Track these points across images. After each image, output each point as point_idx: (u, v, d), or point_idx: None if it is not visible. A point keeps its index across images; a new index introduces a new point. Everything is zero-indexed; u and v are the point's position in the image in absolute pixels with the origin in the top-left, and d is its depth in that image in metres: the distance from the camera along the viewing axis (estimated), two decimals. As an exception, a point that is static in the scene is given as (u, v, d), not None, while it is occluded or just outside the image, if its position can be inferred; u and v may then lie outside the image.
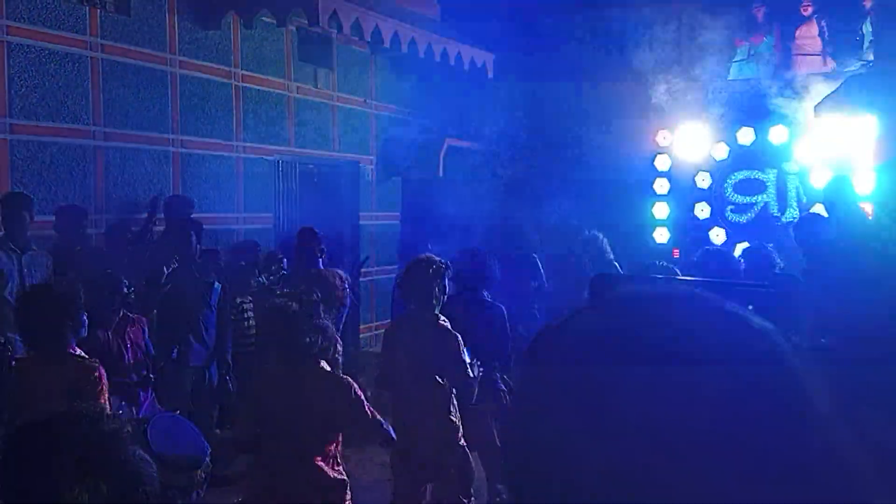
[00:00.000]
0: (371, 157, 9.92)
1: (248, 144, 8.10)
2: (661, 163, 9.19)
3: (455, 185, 9.99)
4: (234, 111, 7.95)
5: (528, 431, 0.67)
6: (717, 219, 8.91)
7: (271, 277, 7.08)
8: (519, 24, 11.96)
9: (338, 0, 7.55)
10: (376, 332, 9.66)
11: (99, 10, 6.61)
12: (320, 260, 6.90)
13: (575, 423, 0.62)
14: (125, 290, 4.72)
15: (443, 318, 4.28)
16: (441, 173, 10.05)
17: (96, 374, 3.29)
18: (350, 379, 3.78)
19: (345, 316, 6.91)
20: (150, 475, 1.21)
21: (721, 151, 8.93)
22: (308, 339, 3.56)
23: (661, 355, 0.62)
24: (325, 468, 3.61)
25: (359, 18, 7.92)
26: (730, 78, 9.95)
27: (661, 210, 9.14)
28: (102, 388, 3.29)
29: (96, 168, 6.58)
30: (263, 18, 7.91)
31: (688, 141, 9.00)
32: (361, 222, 9.78)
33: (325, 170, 9.47)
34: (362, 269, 8.95)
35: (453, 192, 10.09)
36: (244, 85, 8.04)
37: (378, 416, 3.72)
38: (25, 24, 6.01)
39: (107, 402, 3.30)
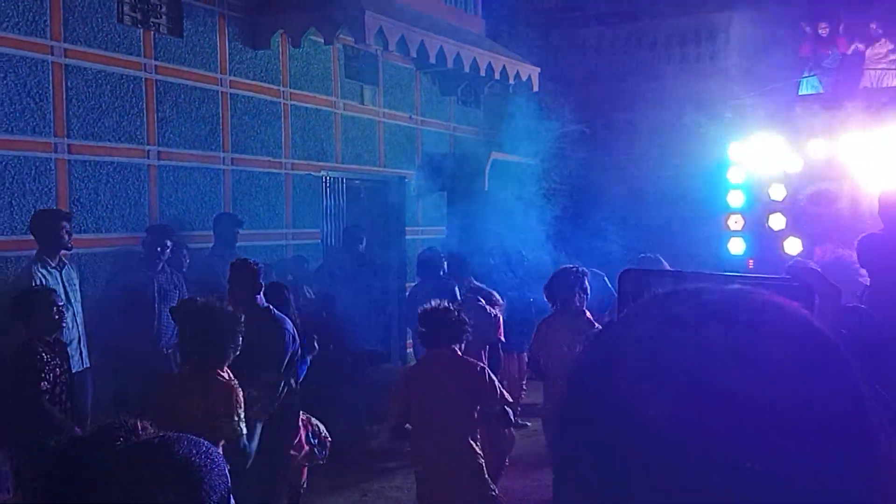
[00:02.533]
0: (416, 172, 9.98)
1: (296, 161, 8.21)
2: (734, 175, 9.20)
3: (501, 199, 9.99)
4: (283, 128, 8.07)
5: (575, 451, 0.66)
6: (792, 230, 8.92)
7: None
8: (567, 36, 11.95)
9: (384, 18, 7.63)
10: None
11: (153, 33, 6.78)
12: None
13: (621, 452, 0.62)
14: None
15: (588, 313, 4.94)
16: (486, 187, 10.04)
17: (237, 396, 3.33)
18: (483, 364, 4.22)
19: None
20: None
21: (794, 163, 8.91)
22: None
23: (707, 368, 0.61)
24: (475, 447, 4.05)
25: (404, 35, 7.99)
26: (801, 93, 9.95)
27: (735, 222, 9.12)
28: (238, 409, 3.32)
29: (150, 186, 6.73)
30: (311, 37, 8.03)
31: (760, 153, 9.00)
32: (407, 237, 9.83)
33: (371, 185, 9.54)
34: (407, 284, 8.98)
35: (499, 206, 10.10)
36: (292, 103, 8.16)
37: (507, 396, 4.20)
38: (82, 46, 6.19)
39: (240, 422, 3.32)
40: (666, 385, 0.62)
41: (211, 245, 6.88)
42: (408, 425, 4.22)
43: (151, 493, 1.09)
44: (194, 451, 1.16)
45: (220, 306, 3.52)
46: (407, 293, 7.95)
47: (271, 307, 4.77)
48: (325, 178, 8.65)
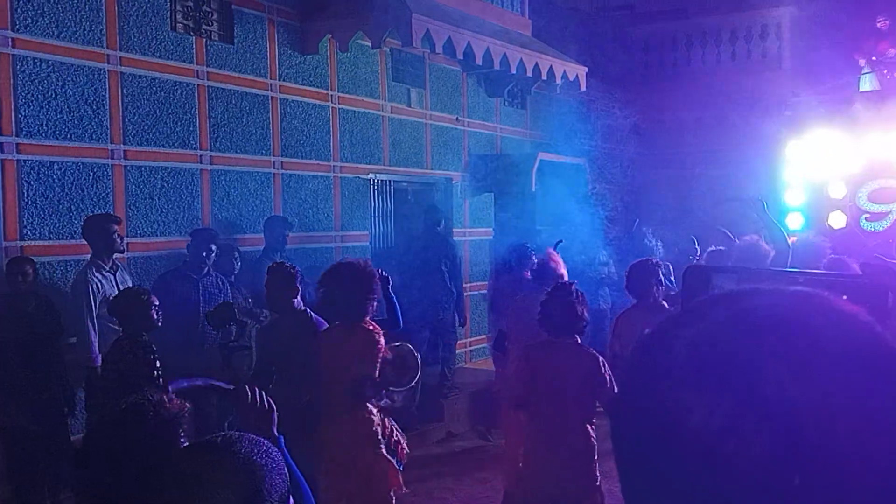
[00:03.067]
0: (463, 174, 9.99)
1: (344, 164, 8.29)
2: (792, 173, 9.07)
3: (548, 200, 9.94)
4: (332, 132, 8.16)
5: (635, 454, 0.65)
6: (852, 228, 8.75)
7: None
8: (615, 34, 11.84)
9: (430, 20, 7.65)
10: (471, 349, 9.68)
11: (205, 40, 6.91)
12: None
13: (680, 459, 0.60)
14: None
15: (666, 305, 5.02)
16: (533, 187, 10.01)
17: (379, 343, 4.01)
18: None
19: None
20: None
21: (854, 161, 8.75)
22: None
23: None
24: (591, 434, 4.19)
25: (451, 37, 8.00)
26: (861, 89, 9.74)
27: (794, 220, 8.97)
28: (379, 355, 3.97)
29: (203, 190, 6.86)
30: (358, 41, 8.10)
31: (819, 151, 8.85)
32: (454, 238, 9.84)
33: (419, 187, 9.58)
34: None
35: (546, 206, 10.06)
36: (340, 106, 8.24)
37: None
38: (137, 54, 6.34)
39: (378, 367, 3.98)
40: (715, 392, 0.60)
41: (262, 248, 6.98)
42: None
43: (214, 490, 1.11)
44: (255, 450, 1.18)
45: (359, 265, 4.21)
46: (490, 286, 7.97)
47: (308, 310, 4.74)
48: (373, 180, 8.71)
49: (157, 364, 4.32)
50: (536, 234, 9.21)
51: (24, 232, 5.63)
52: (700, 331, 0.66)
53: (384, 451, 4.10)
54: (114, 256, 5.49)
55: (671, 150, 11.82)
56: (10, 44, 5.52)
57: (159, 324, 4.53)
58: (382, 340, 4.10)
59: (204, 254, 5.98)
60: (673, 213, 10.48)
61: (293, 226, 7.18)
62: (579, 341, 4.31)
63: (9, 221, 5.54)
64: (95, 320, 5.24)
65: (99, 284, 5.27)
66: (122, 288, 5.40)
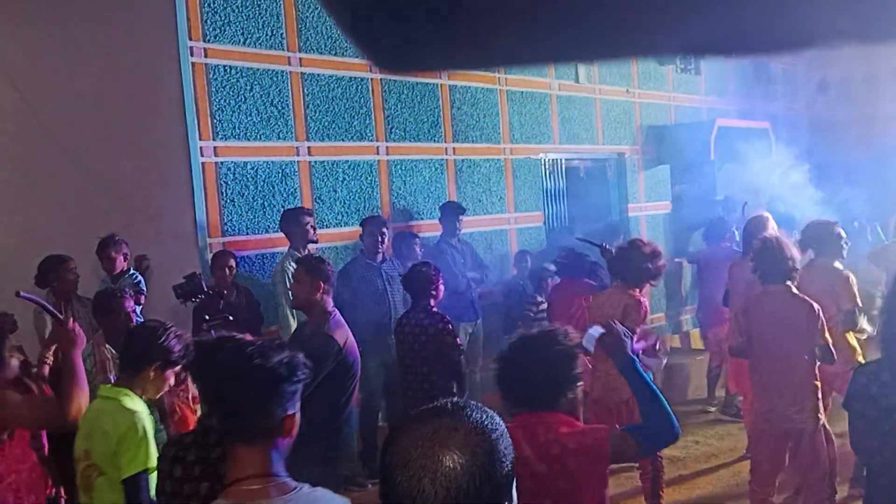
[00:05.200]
0: (636, 147, 9.69)
1: (515, 145, 8.27)
2: None
3: (728, 167, 9.45)
4: (500, 114, 8.16)
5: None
6: None
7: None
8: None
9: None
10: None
11: (375, 34, 7.10)
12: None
13: None
14: None
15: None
16: (712, 156, 9.54)
17: (643, 306, 4.59)
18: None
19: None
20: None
21: None
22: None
23: None
24: (816, 380, 4.25)
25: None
26: None
27: None
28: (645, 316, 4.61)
29: (380, 180, 7.09)
30: (523, 20, 8.02)
31: None
32: (630, 214, 9.59)
33: (591, 164, 9.41)
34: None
35: (727, 175, 9.56)
36: (508, 88, 8.22)
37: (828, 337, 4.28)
38: (314, 54, 6.62)
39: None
40: None
41: (439, 234, 7.12)
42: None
43: (451, 452, 1.11)
44: (485, 416, 1.18)
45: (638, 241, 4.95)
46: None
47: (336, 310, 4.29)
48: (544, 160, 8.64)
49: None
50: (716, 205, 8.79)
51: (225, 228, 6.06)
52: None
53: None
54: (308, 247, 5.79)
55: (863, 107, 10.86)
56: (203, 54, 5.94)
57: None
58: None
59: (378, 239, 6.15)
60: (868, 172, 9.62)
61: (466, 210, 7.26)
62: (793, 288, 4.33)
63: (211, 219, 5.98)
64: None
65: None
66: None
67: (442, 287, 5.20)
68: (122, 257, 5.59)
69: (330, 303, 4.20)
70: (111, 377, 3.96)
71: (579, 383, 2.54)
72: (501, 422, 1.20)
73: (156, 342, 2.91)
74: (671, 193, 10.16)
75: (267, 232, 6.24)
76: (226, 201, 6.06)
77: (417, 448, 1.13)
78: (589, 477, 2.43)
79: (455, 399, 1.22)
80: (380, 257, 6.20)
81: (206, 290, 4.98)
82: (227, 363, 1.73)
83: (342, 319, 4.19)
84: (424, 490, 1.09)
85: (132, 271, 5.69)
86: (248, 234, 6.18)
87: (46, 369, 3.93)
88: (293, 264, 5.67)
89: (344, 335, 4.09)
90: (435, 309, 5.12)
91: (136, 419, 2.82)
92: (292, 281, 5.63)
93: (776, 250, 4.35)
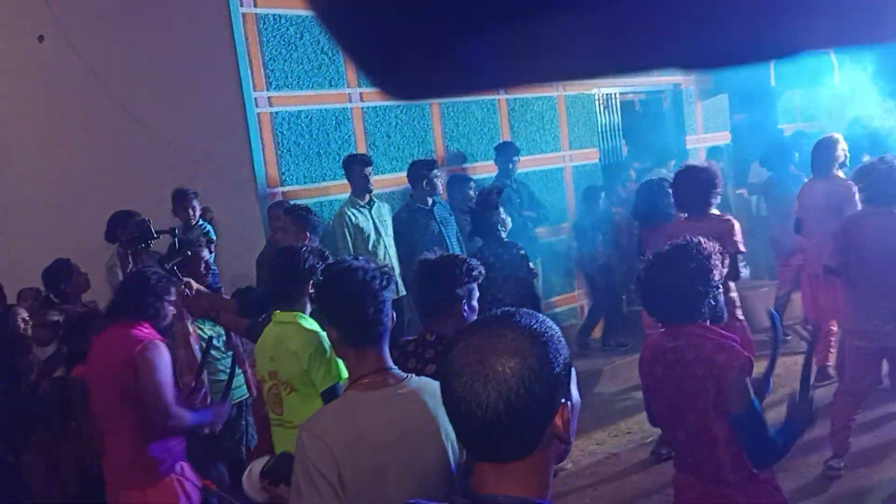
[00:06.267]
0: (692, 77, 9.43)
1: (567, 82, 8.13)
2: None
3: (791, 95, 9.15)
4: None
5: None
6: None
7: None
8: None
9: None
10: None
11: None
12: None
13: None
14: None
15: None
16: (772, 83, 9.25)
17: (734, 226, 4.47)
18: None
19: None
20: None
21: None
22: None
23: None
24: None
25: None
26: None
27: None
28: (737, 238, 4.44)
29: (434, 123, 7.07)
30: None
31: None
32: (688, 147, 9.40)
33: (646, 96, 9.21)
34: None
35: (789, 103, 9.27)
36: (559, 22, 8.05)
37: None
38: None
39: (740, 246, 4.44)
40: None
41: (494, 175, 7.10)
42: None
43: (501, 358, 1.17)
44: (534, 321, 1.23)
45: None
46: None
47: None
48: (598, 95, 8.49)
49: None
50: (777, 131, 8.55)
51: (283, 178, 6.15)
52: None
53: None
54: (368, 194, 5.86)
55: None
56: (252, 3, 5.96)
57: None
58: None
59: (424, 182, 6.08)
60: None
61: (520, 150, 7.21)
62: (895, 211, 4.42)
63: (269, 170, 6.08)
64: (352, 252, 5.65)
65: (353, 219, 5.69)
66: (377, 222, 5.79)
67: (508, 220, 5.20)
68: (192, 209, 5.75)
69: None
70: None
71: (718, 290, 2.68)
72: (553, 325, 1.24)
73: (305, 263, 3.14)
74: (730, 123, 9.91)
75: (324, 180, 6.31)
76: (282, 151, 6.14)
77: (469, 356, 1.19)
78: (731, 384, 2.54)
79: (506, 308, 1.26)
80: (430, 201, 6.17)
81: (154, 233, 4.80)
82: (346, 283, 2.14)
83: None
84: (478, 394, 1.16)
85: (202, 222, 5.84)
86: (305, 183, 6.27)
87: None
88: (352, 210, 5.78)
89: None
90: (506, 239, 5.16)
91: (320, 338, 2.99)
92: (352, 226, 5.76)
93: (887, 173, 4.41)
